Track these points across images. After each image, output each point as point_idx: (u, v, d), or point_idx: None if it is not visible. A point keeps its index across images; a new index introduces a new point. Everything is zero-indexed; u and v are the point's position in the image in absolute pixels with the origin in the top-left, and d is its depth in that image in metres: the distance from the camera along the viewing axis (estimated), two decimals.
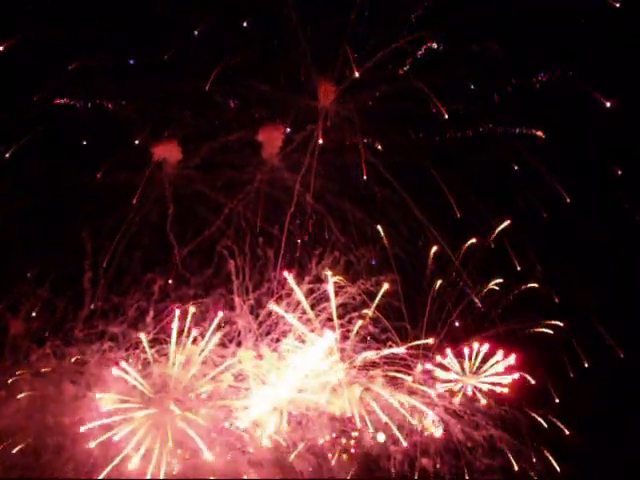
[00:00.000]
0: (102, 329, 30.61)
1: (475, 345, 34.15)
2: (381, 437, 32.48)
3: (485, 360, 34.27)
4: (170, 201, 31.67)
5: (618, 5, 27.26)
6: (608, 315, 33.01)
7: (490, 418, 33.57)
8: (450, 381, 34.48)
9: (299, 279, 31.41)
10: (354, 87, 31.71)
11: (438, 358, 33.78)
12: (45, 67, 28.85)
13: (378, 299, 31.63)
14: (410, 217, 32.28)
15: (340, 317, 31.18)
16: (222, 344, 31.09)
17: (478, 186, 32.14)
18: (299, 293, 31.13)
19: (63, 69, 29.06)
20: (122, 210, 31.24)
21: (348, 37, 30.38)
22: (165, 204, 31.76)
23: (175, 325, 30.42)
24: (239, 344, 31.38)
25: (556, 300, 33.57)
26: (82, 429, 30.05)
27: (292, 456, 32.09)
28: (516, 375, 33.77)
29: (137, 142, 31.37)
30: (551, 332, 33.86)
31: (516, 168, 31.90)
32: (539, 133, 31.16)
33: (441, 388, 34.22)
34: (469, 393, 34.75)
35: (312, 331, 30.92)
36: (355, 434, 33.28)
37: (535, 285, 33.40)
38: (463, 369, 34.49)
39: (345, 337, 31.28)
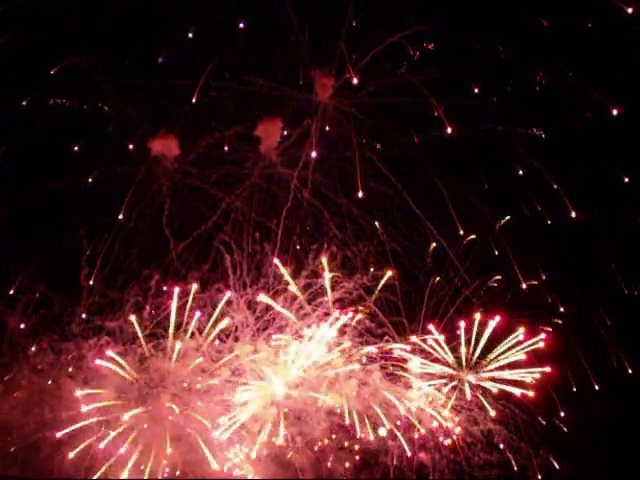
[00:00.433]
0: (99, 324, 30.66)
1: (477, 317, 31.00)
2: (382, 432, 32.32)
3: (490, 347, 31.71)
4: (167, 196, 31.69)
5: (630, 11, 26.87)
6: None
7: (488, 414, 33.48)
8: (444, 377, 32.51)
9: (296, 274, 31.47)
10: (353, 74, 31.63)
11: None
12: (35, 67, 28.78)
13: (380, 286, 31.63)
14: (408, 213, 32.24)
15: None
16: (219, 339, 31.15)
17: (478, 183, 32.13)
18: (290, 280, 31.08)
19: (56, 67, 29.02)
20: (119, 205, 31.25)
21: (346, 31, 30.42)
22: (162, 199, 31.82)
23: (174, 306, 30.42)
24: (236, 339, 31.44)
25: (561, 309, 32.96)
26: (58, 435, 30.13)
27: (290, 452, 32.17)
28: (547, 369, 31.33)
29: (131, 147, 31.52)
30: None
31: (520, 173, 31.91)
32: (539, 133, 31.15)
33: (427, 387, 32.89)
34: (467, 395, 32.80)
35: (309, 326, 30.99)
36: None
37: (534, 282, 32.70)
38: (459, 361, 32.24)
39: (342, 332, 31.26)
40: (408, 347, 32.31)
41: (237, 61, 31.22)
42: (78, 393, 29.97)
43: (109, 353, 30.03)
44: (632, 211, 31.73)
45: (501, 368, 32.34)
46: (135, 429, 30.44)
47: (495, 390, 32.79)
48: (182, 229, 31.87)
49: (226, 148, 32.18)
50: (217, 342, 31.29)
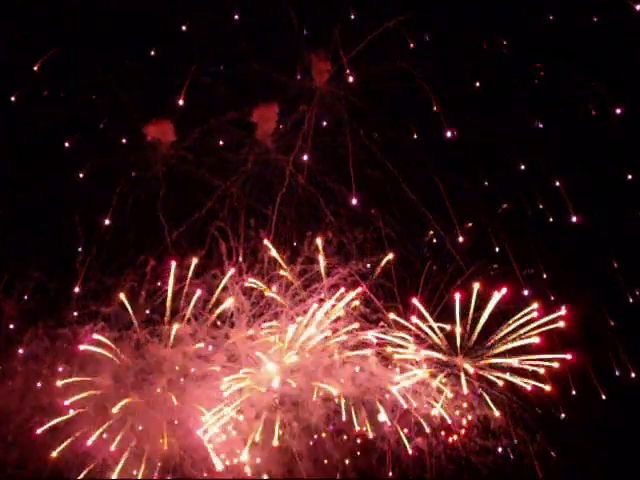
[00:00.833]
0: (94, 310, 30.67)
1: (475, 287, 27.89)
2: (382, 417, 32.38)
3: (492, 328, 28.61)
4: (162, 182, 31.62)
5: (639, 8, 26.47)
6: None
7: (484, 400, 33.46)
8: (437, 361, 30.39)
9: (292, 261, 31.47)
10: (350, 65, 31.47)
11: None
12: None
13: (379, 269, 31.50)
14: (405, 200, 32.12)
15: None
16: (214, 324, 31.17)
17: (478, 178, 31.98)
18: (280, 259, 30.98)
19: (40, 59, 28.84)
20: (115, 191, 31.19)
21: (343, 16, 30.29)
22: (158, 185, 31.74)
23: (171, 282, 30.34)
24: (232, 325, 31.48)
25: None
26: (38, 431, 30.01)
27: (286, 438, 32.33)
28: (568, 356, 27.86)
29: (124, 141, 31.54)
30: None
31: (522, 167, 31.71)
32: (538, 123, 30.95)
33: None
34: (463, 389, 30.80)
35: (304, 312, 30.99)
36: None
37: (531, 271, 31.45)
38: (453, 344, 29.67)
39: (337, 317, 31.26)
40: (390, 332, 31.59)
41: (232, 47, 31.11)
42: (59, 384, 29.92)
43: (96, 337, 29.96)
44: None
45: (506, 354, 29.33)
46: (132, 415, 30.58)
47: (500, 383, 30.22)
48: (177, 215, 31.80)
49: (221, 141, 32.14)
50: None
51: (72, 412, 30.31)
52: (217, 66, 31.88)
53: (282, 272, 31.25)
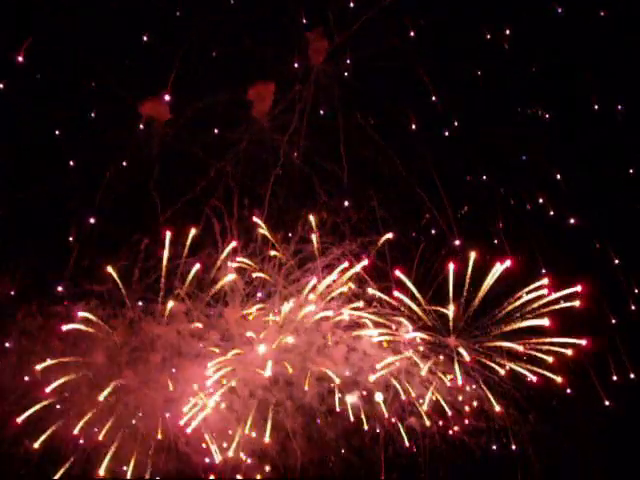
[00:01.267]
0: (88, 288, 30.67)
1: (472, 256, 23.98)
2: (379, 397, 32.52)
3: (492, 305, 24.47)
4: (156, 161, 31.49)
5: None
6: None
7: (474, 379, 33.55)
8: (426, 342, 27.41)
9: (285, 241, 31.50)
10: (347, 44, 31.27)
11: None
12: None
13: (380, 244, 31.29)
14: (401, 183, 31.99)
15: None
16: (208, 303, 31.23)
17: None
18: (267, 234, 30.91)
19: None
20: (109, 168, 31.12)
21: None
22: (152, 164, 31.61)
23: (165, 253, 30.20)
24: (226, 304, 31.52)
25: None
26: (19, 420, 29.40)
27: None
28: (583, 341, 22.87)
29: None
30: None
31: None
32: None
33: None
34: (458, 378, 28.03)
35: (298, 291, 31.04)
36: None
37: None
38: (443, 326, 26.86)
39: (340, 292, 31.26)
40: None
41: (229, 25, 30.86)
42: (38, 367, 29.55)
43: (81, 314, 29.88)
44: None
45: (509, 336, 26.07)
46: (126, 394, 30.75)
47: (502, 372, 27.53)
48: (172, 194, 31.71)
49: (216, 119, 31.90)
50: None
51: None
52: (213, 44, 31.56)
53: (273, 253, 31.18)
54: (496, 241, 29.14)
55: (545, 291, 24.69)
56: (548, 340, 25.15)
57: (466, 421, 33.99)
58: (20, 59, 28.35)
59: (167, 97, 31.03)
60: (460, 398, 33.02)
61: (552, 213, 30.96)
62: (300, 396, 32.72)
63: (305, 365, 31.87)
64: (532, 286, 25.32)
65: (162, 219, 30.69)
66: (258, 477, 32.51)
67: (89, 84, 31.16)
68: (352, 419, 32.38)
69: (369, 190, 32.38)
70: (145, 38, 30.91)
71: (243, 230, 31.63)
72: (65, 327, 29.63)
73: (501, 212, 31.35)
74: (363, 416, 32.70)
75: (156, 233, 30.65)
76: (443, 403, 32.50)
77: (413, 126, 31.85)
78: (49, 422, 29.99)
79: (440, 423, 33.82)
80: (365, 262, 29.62)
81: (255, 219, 31.21)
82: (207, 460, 31.65)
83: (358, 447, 34.14)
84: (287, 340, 31.35)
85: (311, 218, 31.23)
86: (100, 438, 30.20)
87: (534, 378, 26.53)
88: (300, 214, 31.91)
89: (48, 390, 29.55)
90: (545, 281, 25.20)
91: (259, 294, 31.51)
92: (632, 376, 27.77)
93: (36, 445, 29.70)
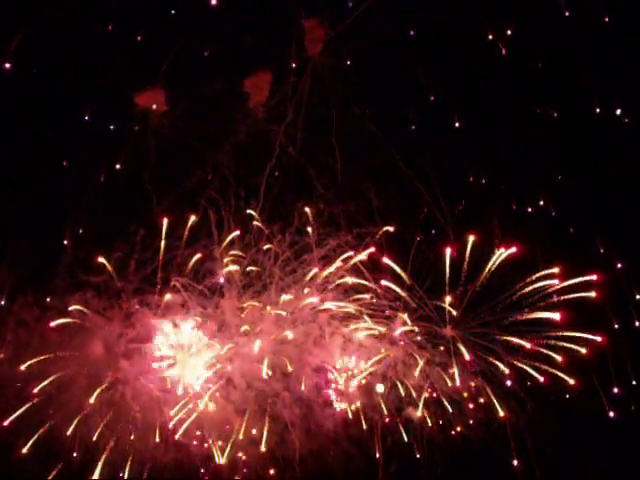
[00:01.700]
0: (84, 279, 30.70)
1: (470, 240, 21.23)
2: (380, 388, 32.50)
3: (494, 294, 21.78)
4: (153, 152, 31.38)
5: None
6: None
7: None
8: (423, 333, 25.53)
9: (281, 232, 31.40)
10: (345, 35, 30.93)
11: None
12: None
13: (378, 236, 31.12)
14: (399, 174, 31.84)
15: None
16: (204, 294, 31.23)
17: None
18: (259, 222, 30.88)
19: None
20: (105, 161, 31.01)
21: None
22: (149, 155, 31.52)
23: (162, 242, 30.20)
24: (222, 295, 31.52)
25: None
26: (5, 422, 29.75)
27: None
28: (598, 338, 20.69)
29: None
30: None
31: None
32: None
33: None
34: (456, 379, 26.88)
35: (294, 283, 31.00)
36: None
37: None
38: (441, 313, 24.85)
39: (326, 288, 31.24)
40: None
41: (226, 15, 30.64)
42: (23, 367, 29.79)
43: (73, 307, 29.88)
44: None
45: (511, 329, 24.14)
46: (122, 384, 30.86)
47: (507, 371, 25.71)
48: (168, 185, 31.65)
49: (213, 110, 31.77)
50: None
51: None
52: (210, 36, 31.37)
53: (266, 246, 31.14)
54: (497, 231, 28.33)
55: (556, 281, 22.67)
56: (560, 334, 22.88)
57: (466, 414, 34.08)
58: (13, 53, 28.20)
59: (163, 88, 30.70)
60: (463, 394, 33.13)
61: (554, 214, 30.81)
62: (297, 387, 32.77)
63: (302, 357, 31.88)
64: (541, 273, 23.34)
65: (158, 210, 30.56)
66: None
67: (86, 75, 30.91)
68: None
69: (366, 182, 32.19)
70: (141, 29, 30.53)
71: (239, 221, 31.54)
72: (58, 322, 29.88)
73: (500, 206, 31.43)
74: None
75: (152, 224, 30.58)
76: (442, 399, 32.30)
77: (412, 127, 31.55)
78: (47, 419, 30.46)
79: (439, 421, 33.89)
80: (372, 249, 28.44)
81: (250, 211, 30.97)
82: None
83: (357, 438, 34.24)
84: (285, 334, 31.33)
85: (307, 210, 30.97)
86: (98, 431, 30.39)
87: (541, 378, 24.73)
88: (296, 206, 31.81)
89: (37, 389, 29.91)
90: (555, 270, 23.19)
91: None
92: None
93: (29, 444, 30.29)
